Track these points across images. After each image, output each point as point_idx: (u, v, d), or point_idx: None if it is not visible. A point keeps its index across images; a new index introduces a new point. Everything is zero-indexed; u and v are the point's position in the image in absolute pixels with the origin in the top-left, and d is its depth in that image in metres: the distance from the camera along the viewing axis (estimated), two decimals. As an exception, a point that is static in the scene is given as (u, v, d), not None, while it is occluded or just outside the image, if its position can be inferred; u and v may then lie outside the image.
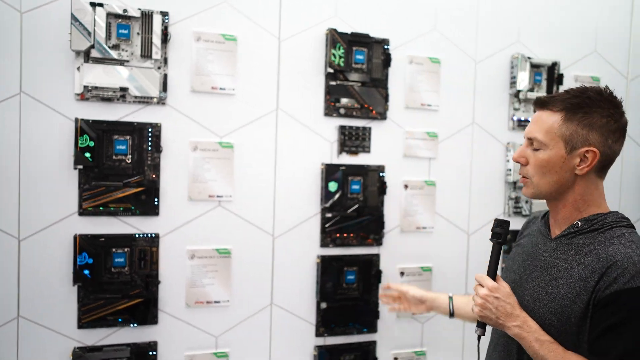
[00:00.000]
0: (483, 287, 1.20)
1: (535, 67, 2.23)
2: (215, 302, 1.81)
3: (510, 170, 2.20)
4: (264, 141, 1.86)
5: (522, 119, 2.22)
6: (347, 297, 1.95)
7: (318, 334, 1.93)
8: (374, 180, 1.97)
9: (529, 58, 2.20)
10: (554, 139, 1.16)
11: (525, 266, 1.26)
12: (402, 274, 2.03)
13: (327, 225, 1.91)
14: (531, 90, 2.23)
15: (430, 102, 2.06)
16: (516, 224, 2.25)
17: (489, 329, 1.30)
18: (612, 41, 2.39)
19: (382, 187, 1.97)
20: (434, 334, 2.11)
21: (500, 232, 1.26)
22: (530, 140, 1.21)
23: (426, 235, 2.07)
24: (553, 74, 2.26)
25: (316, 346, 1.92)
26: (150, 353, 1.72)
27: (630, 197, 2.44)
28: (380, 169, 1.98)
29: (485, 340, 1.33)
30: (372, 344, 2.00)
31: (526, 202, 2.24)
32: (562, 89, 2.28)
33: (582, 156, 1.15)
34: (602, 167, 1.18)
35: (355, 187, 1.94)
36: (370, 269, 1.97)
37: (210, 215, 1.80)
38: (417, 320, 2.09)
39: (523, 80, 2.18)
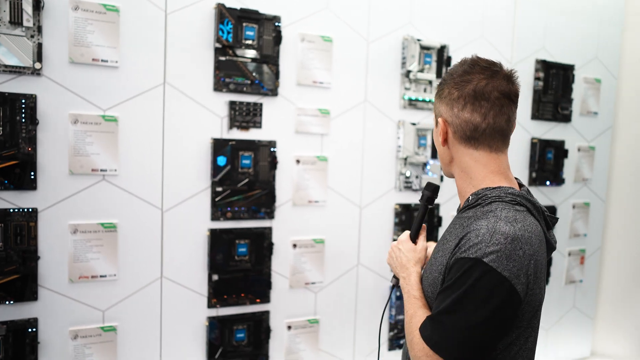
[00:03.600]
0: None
1: (425, 49, 2.35)
2: (101, 276, 1.80)
3: (400, 147, 2.32)
4: (150, 115, 1.85)
5: (413, 98, 2.35)
6: (239, 268, 2.00)
7: (210, 305, 1.97)
8: (265, 155, 2.01)
9: (419, 40, 2.32)
10: (435, 116, 1.20)
11: (437, 244, 1.26)
12: (294, 246, 2.11)
13: (217, 199, 1.94)
14: (421, 71, 2.35)
15: (322, 79, 2.12)
16: (407, 198, 2.39)
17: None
18: (497, 28, 2.56)
19: (273, 162, 2.02)
20: (328, 303, 2.22)
21: (424, 194, 1.29)
22: None
23: (318, 209, 2.16)
24: (442, 57, 2.40)
25: (208, 317, 1.97)
26: (30, 330, 1.69)
27: (515, 170, 2.65)
28: (272, 144, 2.03)
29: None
30: (266, 313, 2.07)
31: (416, 177, 2.38)
32: (450, 70, 2.43)
33: (439, 127, 1.18)
34: (468, 138, 1.13)
35: (246, 161, 1.98)
36: (262, 242, 2.03)
37: (94, 190, 1.78)
38: (311, 290, 2.18)
39: (413, 61, 2.30)
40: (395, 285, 1.31)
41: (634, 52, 3.00)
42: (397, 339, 2.40)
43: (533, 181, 2.72)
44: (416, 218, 1.29)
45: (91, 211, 1.78)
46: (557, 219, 1.21)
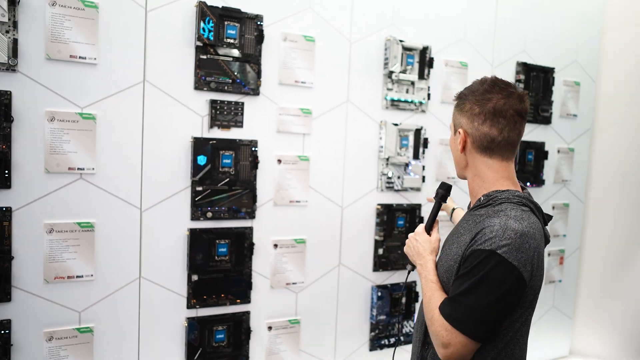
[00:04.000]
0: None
1: (407, 50, 2.36)
2: (78, 276, 1.77)
3: (382, 147, 2.33)
4: (130, 113, 1.82)
5: (395, 98, 2.36)
6: (219, 269, 1.98)
7: (190, 305, 1.95)
8: (246, 155, 2.00)
9: (401, 41, 2.33)
10: (452, 124, 1.41)
11: (451, 234, 1.45)
12: (275, 246, 2.10)
13: (197, 199, 1.93)
14: (404, 72, 2.36)
15: (304, 79, 2.12)
16: (389, 198, 2.40)
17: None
18: (479, 30, 2.59)
19: (254, 162, 2.01)
20: (309, 303, 2.21)
21: (438, 192, 1.50)
22: None
23: (300, 209, 2.15)
24: (424, 58, 2.41)
25: (187, 318, 1.95)
26: (3, 332, 1.65)
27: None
28: (253, 143, 2.02)
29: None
30: (246, 314, 2.06)
31: (398, 177, 2.39)
32: (432, 72, 2.45)
33: (459, 136, 1.35)
34: (484, 148, 1.30)
35: (227, 161, 1.96)
36: (243, 242, 2.02)
37: (71, 189, 1.75)
38: (291, 291, 2.17)
39: (395, 62, 2.31)
40: (411, 271, 1.51)
41: (612, 55, 3.06)
42: (377, 339, 2.40)
43: (514, 182, 2.75)
44: (431, 213, 1.47)
45: (68, 210, 1.75)
46: (551, 217, 1.39)
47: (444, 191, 1.50)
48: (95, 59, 1.75)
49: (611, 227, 3.08)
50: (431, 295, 1.30)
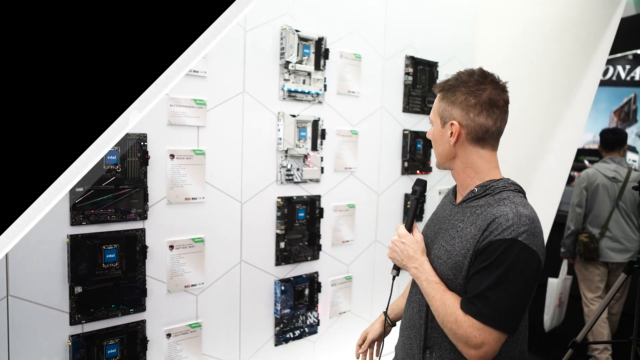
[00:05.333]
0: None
1: (303, 40, 2.33)
2: None
3: (281, 139, 2.28)
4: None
5: (292, 89, 2.32)
6: (108, 277, 1.79)
7: (73, 322, 1.73)
8: (134, 150, 1.82)
9: (297, 31, 2.29)
10: (435, 116, 1.37)
11: (434, 230, 1.41)
12: (171, 247, 1.96)
13: (77, 201, 1.70)
14: (300, 62, 2.33)
15: (197, 68, 1.98)
16: (288, 191, 2.37)
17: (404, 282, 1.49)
18: (370, 23, 2.65)
19: (144, 157, 1.84)
20: (210, 304, 2.10)
21: (416, 190, 1.46)
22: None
23: (197, 206, 2.03)
24: (320, 49, 2.40)
25: (71, 336, 1.73)
26: None
27: (389, 160, 2.79)
28: (142, 137, 1.84)
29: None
30: (141, 323, 1.89)
31: (297, 169, 2.37)
32: (328, 63, 2.46)
33: (450, 128, 1.32)
34: (478, 139, 1.31)
35: (112, 157, 1.76)
36: (134, 245, 1.84)
37: None
38: (191, 293, 2.05)
39: (292, 52, 2.27)
40: (397, 276, 1.45)
41: (484, 52, 3.35)
42: (282, 334, 2.38)
43: (405, 170, 2.88)
44: (410, 212, 1.44)
45: None
46: None
47: (421, 188, 1.46)
48: None
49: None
50: (442, 298, 1.25)
